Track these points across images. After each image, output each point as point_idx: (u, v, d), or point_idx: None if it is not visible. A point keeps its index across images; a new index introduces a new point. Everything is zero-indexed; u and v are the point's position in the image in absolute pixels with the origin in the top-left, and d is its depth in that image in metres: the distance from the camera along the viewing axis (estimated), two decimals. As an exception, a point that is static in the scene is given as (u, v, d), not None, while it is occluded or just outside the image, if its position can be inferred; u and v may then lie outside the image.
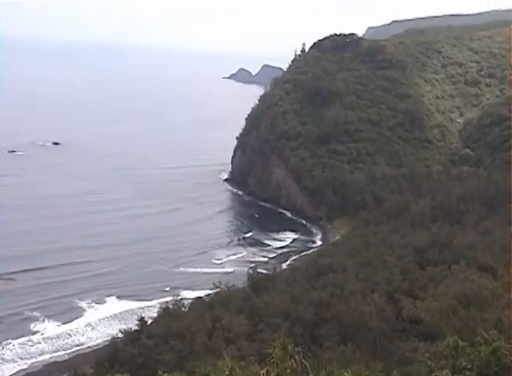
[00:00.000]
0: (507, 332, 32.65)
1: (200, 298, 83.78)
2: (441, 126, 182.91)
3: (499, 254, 72.38)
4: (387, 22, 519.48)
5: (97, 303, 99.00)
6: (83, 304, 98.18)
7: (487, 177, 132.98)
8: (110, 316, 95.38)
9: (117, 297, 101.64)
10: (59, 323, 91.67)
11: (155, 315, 78.80)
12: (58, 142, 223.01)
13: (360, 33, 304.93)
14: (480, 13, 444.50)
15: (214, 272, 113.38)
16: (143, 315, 78.27)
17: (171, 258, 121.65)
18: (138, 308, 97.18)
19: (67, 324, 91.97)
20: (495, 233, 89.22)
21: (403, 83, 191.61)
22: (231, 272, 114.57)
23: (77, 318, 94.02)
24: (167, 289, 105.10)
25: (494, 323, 36.43)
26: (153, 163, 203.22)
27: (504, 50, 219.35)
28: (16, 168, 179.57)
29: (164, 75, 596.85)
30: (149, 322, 73.74)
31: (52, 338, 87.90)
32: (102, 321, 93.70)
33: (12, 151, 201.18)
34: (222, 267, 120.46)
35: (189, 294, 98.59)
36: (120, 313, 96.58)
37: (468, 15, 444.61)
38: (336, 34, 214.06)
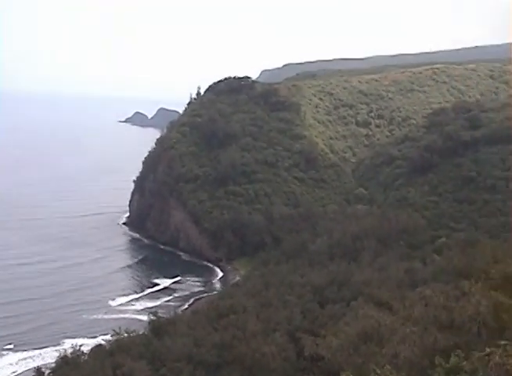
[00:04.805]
0: (403, 366, 33.52)
1: (100, 345, 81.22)
2: (336, 166, 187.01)
3: (394, 289, 74.41)
4: (280, 65, 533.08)
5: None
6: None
7: (380, 215, 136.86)
8: (7, 370, 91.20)
9: (15, 350, 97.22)
10: None
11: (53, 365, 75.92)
12: None
13: (254, 76, 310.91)
14: (366, 58, 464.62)
15: (115, 319, 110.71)
16: (41, 365, 75.31)
17: (70, 309, 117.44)
18: (37, 359, 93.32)
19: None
20: (389, 269, 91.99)
21: (297, 124, 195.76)
22: (131, 318, 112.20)
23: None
24: (66, 339, 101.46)
25: (390, 358, 37.24)
26: (49, 212, 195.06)
27: (391, 92, 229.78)
28: None
29: (55, 121, 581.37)
30: (47, 372, 71.01)
31: None
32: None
33: None
34: (124, 313, 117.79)
35: (89, 342, 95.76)
36: (17, 365, 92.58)
37: (355, 59, 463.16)
38: (230, 77, 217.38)
